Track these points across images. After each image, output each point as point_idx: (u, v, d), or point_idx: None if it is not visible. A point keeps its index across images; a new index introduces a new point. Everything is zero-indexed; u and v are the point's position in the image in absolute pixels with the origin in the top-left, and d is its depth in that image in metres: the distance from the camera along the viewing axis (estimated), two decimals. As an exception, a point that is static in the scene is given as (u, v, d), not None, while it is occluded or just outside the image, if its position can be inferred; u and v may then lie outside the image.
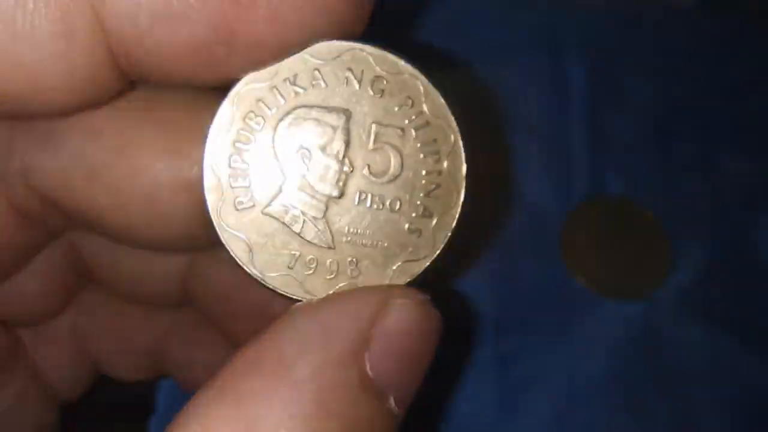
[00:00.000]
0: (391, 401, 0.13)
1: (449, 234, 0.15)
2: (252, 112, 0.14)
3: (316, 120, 0.14)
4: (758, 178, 0.32)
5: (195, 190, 0.15)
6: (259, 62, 0.14)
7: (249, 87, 0.14)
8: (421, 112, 0.15)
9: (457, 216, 0.15)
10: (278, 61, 0.14)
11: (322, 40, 0.14)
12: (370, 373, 0.13)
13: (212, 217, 0.15)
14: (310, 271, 0.15)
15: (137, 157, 0.16)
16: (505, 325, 0.29)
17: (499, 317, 0.29)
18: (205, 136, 0.14)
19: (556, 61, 0.34)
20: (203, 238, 0.17)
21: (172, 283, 0.20)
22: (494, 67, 0.34)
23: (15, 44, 0.13)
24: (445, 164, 0.15)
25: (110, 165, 0.16)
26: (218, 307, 0.20)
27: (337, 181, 0.15)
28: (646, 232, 0.31)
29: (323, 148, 0.15)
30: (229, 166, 0.15)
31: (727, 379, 0.28)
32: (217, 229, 0.15)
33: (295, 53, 0.14)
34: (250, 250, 0.15)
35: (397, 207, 0.15)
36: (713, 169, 0.32)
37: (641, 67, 0.34)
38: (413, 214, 0.15)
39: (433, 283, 0.15)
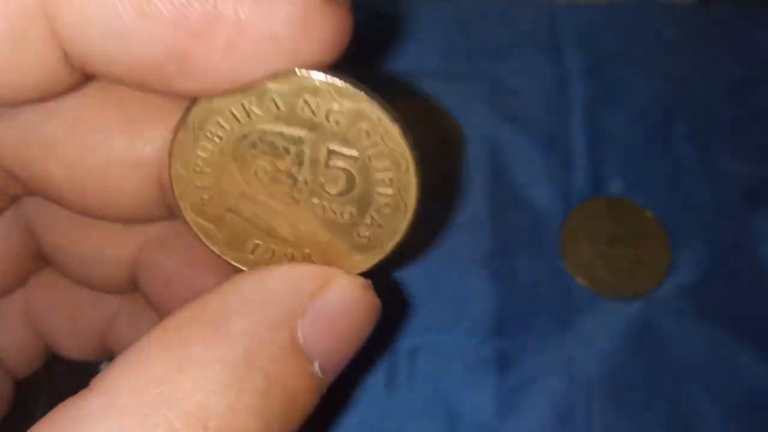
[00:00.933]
0: (316, 366, 0.15)
1: (398, 240, 0.16)
2: (210, 130, 0.15)
3: (272, 143, 0.15)
4: (758, 178, 0.32)
5: (147, 168, 0.16)
6: (212, 86, 0.14)
7: (207, 105, 0.15)
8: (376, 143, 0.15)
9: (405, 227, 0.16)
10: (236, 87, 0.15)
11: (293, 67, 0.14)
12: (300, 339, 0.14)
13: (179, 204, 0.16)
14: (269, 256, 0.17)
15: (93, 133, 0.17)
16: (505, 325, 0.29)
17: (499, 317, 0.29)
18: (171, 143, 0.15)
19: (556, 61, 0.34)
20: (155, 213, 0.18)
21: (121, 268, 0.21)
22: (494, 66, 0.34)
23: None
24: (397, 190, 0.15)
25: (66, 140, 0.16)
26: (162, 294, 0.21)
27: (292, 191, 0.16)
28: (646, 232, 0.31)
29: (279, 166, 0.15)
30: (194, 171, 0.16)
31: (726, 379, 0.28)
32: (183, 213, 0.16)
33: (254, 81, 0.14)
34: (214, 236, 0.17)
35: (348, 217, 0.16)
36: (713, 169, 0.32)
37: (641, 67, 0.34)
38: (364, 223, 0.16)
39: (381, 273, 0.16)
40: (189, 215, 0.16)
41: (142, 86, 0.14)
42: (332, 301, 0.15)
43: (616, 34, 0.35)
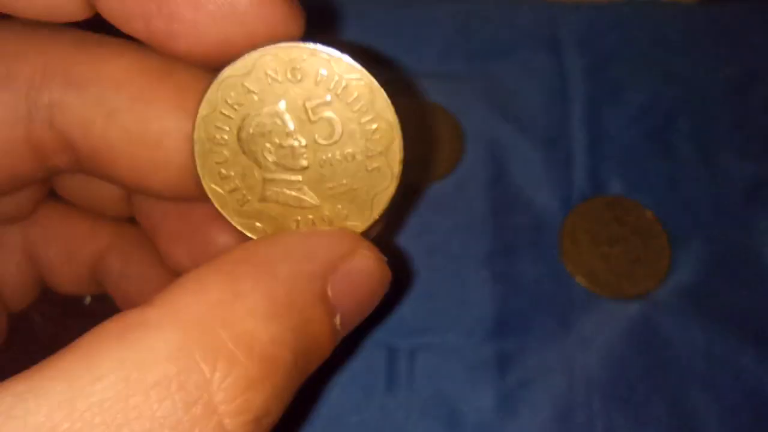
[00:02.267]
0: (337, 319, 0.17)
1: (400, 158, 0.18)
2: (222, 111, 0.18)
3: (262, 121, 0.17)
4: (758, 178, 0.32)
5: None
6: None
7: (222, 85, 0.17)
8: (336, 80, 0.17)
9: (400, 143, 0.18)
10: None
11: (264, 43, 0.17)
12: (329, 292, 0.17)
13: (224, 215, 0.19)
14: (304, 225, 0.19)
15: (151, 106, 0.19)
16: (504, 325, 0.29)
17: (499, 317, 0.29)
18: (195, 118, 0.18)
19: (556, 61, 0.34)
20: (193, 190, 0.19)
21: (119, 191, 0.23)
22: (494, 66, 0.34)
23: None
24: (374, 110, 0.17)
25: (127, 110, 0.19)
26: (158, 223, 0.23)
27: (299, 156, 0.18)
28: (646, 232, 0.31)
29: (278, 136, 0.18)
30: (220, 178, 0.18)
31: (726, 379, 0.28)
32: (231, 222, 0.19)
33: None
34: (263, 232, 0.19)
35: (353, 157, 0.18)
36: (713, 168, 0.32)
37: (641, 67, 0.34)
38: (366, 157, 0.18)
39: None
40: (235, 221, 0.18)
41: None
42: (357, 266, 0.18)
43: (616, 34, 0.35)
